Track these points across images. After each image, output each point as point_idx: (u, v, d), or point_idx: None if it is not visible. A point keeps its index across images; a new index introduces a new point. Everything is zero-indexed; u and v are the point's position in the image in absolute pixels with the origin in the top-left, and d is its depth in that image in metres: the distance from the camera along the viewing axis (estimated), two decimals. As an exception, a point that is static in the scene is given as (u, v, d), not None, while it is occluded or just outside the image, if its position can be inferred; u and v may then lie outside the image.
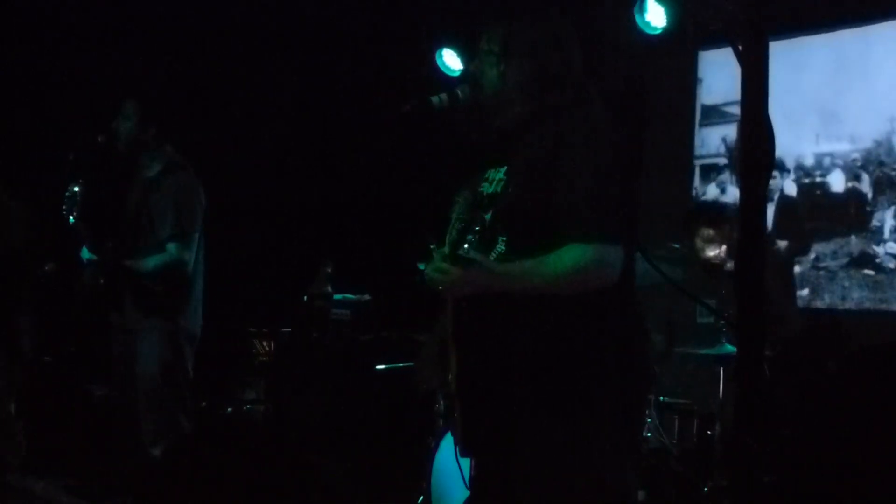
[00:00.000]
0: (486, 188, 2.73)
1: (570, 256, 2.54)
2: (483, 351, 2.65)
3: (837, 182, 6.13)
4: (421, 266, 2.70)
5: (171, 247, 4.55)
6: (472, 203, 2.62)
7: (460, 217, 2.60)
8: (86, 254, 4.53)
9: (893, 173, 5.89)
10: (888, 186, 5.91)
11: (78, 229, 4.53)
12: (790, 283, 5.60)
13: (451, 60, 6.75)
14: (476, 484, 2.80)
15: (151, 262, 4.55)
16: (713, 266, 5.16)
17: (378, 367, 5.98)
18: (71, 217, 4.52)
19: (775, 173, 6.14)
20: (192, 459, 4.43)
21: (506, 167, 2.72)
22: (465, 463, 2.82)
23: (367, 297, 6.11)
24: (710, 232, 5.19)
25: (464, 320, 2.68)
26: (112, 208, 4.78)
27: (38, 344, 5.39)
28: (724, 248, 5.17)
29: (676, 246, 5.00)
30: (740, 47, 1.81)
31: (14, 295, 5.17)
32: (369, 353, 6.04)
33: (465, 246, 2.51)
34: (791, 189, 6.31)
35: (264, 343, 6.54)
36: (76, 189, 4.53)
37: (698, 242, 5.22)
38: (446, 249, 2.59)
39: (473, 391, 2.68)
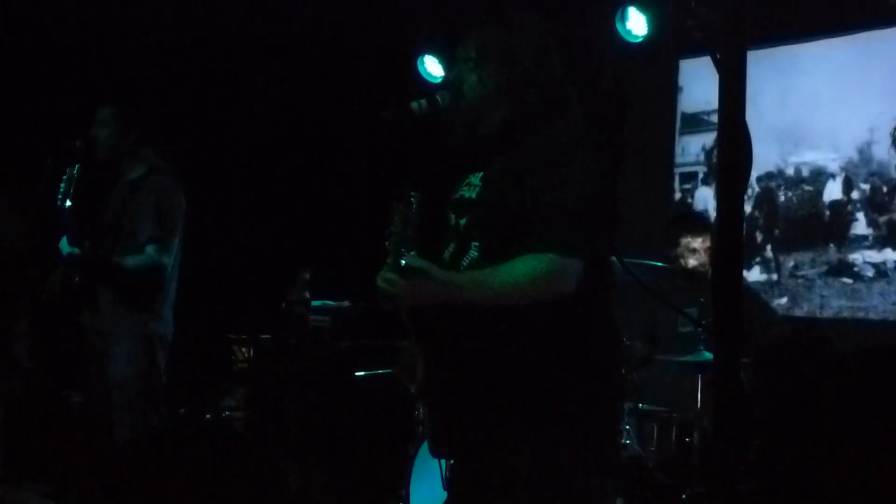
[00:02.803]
0: (466, 192, 2.73)
1: (523, 266, 2.51)
2: (449, 356, 2.64)
3: (816, 191, 6.16)
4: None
5: (151, 249, 4.54)
6: (405, 214, 2.59)
7: (397, 228, 2.57)
8: (65, 246, 4.49)
9: (872, 182, 5.92)
10: (867, 195, 5.94)
11: (67, 216, 4.48)
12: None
13: (432, 67, 6.76)
14: (451, 486, 2.80)
15: (131, 261, 4.54)
16: (694, 274, 5.18)
17: (358, 373, 5.97)
18: (68, 201, 4.48)
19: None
20: (170, 466, 4.41)
21: (482, 173, 2.72)
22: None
23: (346, 303, 6.10)
24: (689, 240, 5.21)
25: (426, 327, 2.66)
26: (93, 211, 4.75)
27: (34, 357, 5.31)
28: (705, 256, 5.20)
29: (658, 264, 5.02)
30: (718, 55, 1.81)
31: (11, 300, 5.09)
32: (349, 360, 6.03)
33: (403, 258, 2.50)
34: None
35: (244, 350, 6.51)
36: (74, 173, 4.49)
37: (679, 251, 5.24)
38: (389, 260, 2.57)
39: (440, 395, 2.67)
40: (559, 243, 2.51)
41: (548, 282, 2.51)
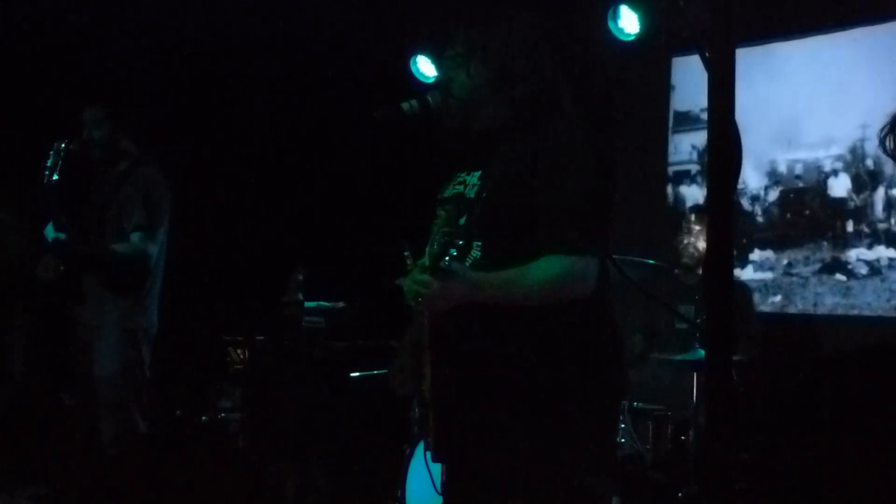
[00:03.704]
0: (460, 191, 2.73)
1: (549, 268, 2.54)
2: (459, 360, 2.65)
3: (810, 189, 6.17)
4: (399, 281, 2.68)
5: (136, 236, 4.55)
6: (454, 215, 2.60)
7: (442, 229, 2.57)
8: (50, 232, 4.47)
9: (865, 179, 5.92)
10: (860, 193, 5.94)
11: (54, 192, 4.46)
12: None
13: (425, 67, 6.76)
14: (448, 490, 2.80)
15: (116, 248, 4.55)
16: (691, 271, 5.18)
17: (353, 374, 5.97)
18: (55, 175, 4.45)
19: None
20: (166, 468, 4.41)
21: (480, 171, 2.71)
22: (437, 469, 2.82)
23: (341, 304, 6.10)
24: (685, 237, 5.21)
25: (440, 330, 2.66)
26: (79, 201, 4.75)
27: (28, 363, 5.30)
28: (700, 243, 5.19)
29: (651, 262, 5.03)
30: (707, 54, 1.82)
31: (6, 311, 5.07)
32: (344, 361, 6.03)
33: (447, 259, 2.49)
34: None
35: (239, 351, 6.51)
36: (63, 146, 4.46)
37: (679, 247, 5.24)
38: (426, 261, 2.57)
39: (448, 399, 2.67)
40: (578, 244, 2.55)
41: (574, 282, 2.56)
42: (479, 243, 2.62)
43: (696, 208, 6.08)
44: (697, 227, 5.21)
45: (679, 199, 6.70)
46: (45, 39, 6.33)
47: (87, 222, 4.68)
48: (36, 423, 5.78)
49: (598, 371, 2.62)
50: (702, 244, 5.20)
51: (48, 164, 4.42)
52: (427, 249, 2.61)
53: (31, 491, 5.35)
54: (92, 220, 4.68)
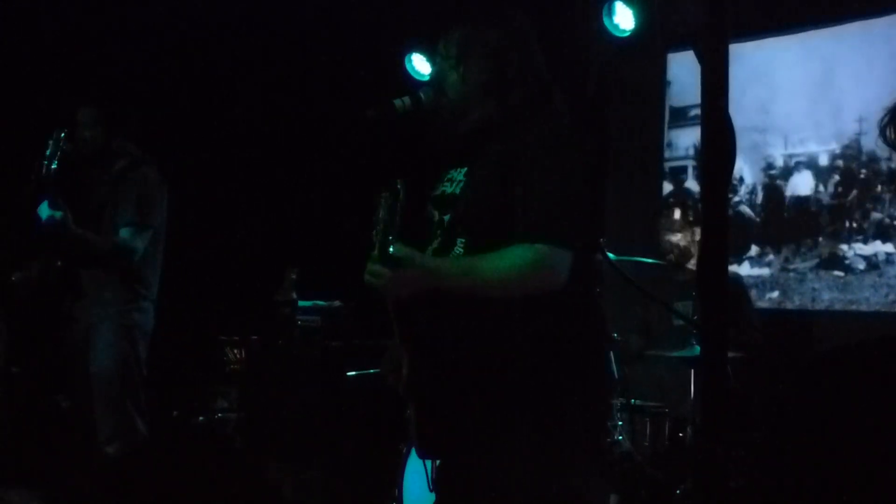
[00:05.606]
0: (448, 188, 2.72)
1: (511, 255, 2.50)
2: (438, 355, 2.62)
3: (806, 184, 6.16)
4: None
5: (124, 231, 4.59)
6: (391, 202, 2.54)
7: (383, 217, 2.50)
8: (45, 210, 4.44)
9: (861, 174, 5.91)
10: (856, 187, 5.93)
11: (50, 180, 4.43)
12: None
13: (420, 65, 6.75)
14: (439, 486, 2.79)
15: (102, 238, 4.55)
16: (687, 269, 5.17)
17: (349, 373, 5.96)
18: (54, 163, 4.43)
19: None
20: (163, 469, 4.40)
21: (466, 168, 2.70)
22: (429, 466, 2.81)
23: (337, 303, 6.09)
24: (674, 216, 5.20)
25: (412, 322, 2.63)
26: (77, 201, 4.74)
27: (7, 356, 5.29)
28: (688, 235, 5.18)
29: (649, 260, 5.02)
30: (701, 49, 1.81)
31: None
32: (340, 360, 6.02)
33: (391, 247, 2.45)
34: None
35: (236, 351, 6.50)
36: (62, 135, 4.45)
37: (662, 227, 5.22)
38: (375, 251, 2.52)
39: (426, 393, 2.65)
40: (549, 234, 2.50)
41: (538, 272, 2.50)
42: (463, 240, 2.61)
43: (666, 203, 6.07)
44: (674, 220, 5.20)
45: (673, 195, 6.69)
46: (43, 40, 6.31)
47: (85, 220, 4.68)
48: (32, 424, 5.77)
49: (584, 368, 2.61)
50: (678, 237, 5.19)
51: (47, 154, 4.43)
52: (373, 239, 2.55)
53: (29, 494, 5.34)
54: (90, 217, 4.69)
